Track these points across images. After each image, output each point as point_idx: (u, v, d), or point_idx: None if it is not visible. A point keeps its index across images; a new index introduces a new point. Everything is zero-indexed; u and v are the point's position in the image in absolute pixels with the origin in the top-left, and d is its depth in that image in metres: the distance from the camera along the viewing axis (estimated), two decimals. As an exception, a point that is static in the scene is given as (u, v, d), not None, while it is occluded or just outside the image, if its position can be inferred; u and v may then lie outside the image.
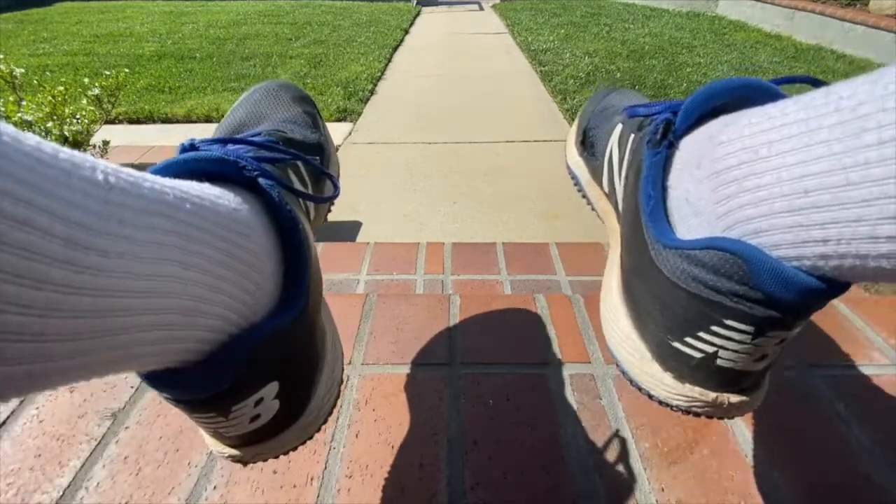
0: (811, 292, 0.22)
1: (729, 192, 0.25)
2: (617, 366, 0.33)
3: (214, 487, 0.39)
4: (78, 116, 0.91)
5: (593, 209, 0.46)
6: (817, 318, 0.57)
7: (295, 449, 0.30)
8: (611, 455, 0.42)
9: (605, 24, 4.31)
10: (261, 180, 0.27)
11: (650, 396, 0.31)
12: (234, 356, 0.23)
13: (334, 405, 0.33)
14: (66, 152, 0.17)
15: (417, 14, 5.29)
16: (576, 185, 0.48)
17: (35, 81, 0.96)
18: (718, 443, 0.43)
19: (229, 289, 0.23)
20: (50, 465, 0.41)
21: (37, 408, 0.46)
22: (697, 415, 0.29)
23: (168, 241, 0.20)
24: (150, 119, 2.29)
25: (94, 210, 0.17)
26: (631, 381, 0.32)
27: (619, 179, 0.37)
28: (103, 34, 3.98)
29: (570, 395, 0.47)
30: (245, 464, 0.29)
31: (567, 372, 0.50)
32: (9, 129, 0.16)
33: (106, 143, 0.99)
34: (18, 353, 0.15)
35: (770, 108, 0.25)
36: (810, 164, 0.21)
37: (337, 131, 2.15)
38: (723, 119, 0.28)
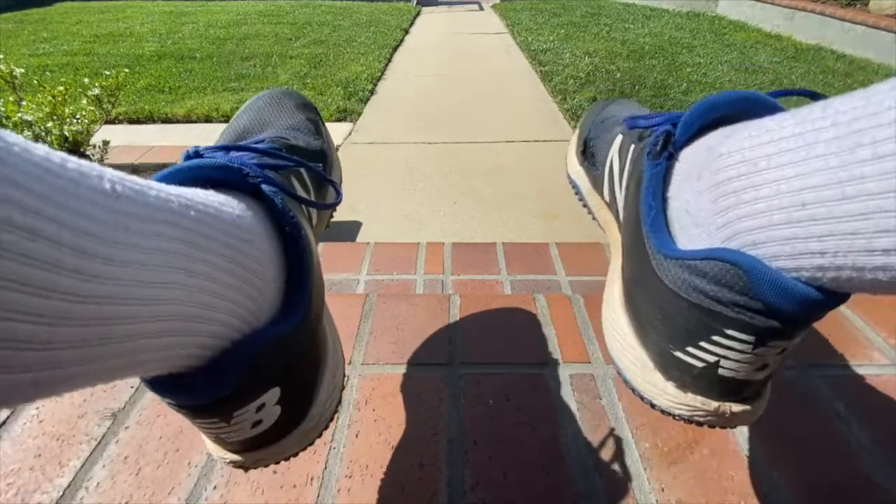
0: (810, 303, 0.23)
1: (728, 204, 0.25)
2: (619, 375, 0.33)
3: (214, 487, 0.39)
4: (78, 116, 0.91)
5: (594, 218, 0.46)
6: (817, 318, 0.57)
7: (296, 454, 0.30)
8: (611, 455, 0.42)
9: (605, 24, 4.31)
10: (264, 187, 0.28)
11: (652, 406, 0.31)
12: (236, 362, 0.23)
13: (335, 411, 0.33)
14: (73, 161, 0.17)
15: (417, 14, 5.29)
16: (577, 194, 0.48)
17: (35, 81, 0.96)
18: (718, 443, 0.43)
19: (233, 295, 0.23)
20: (50, 465, 0.41)
21: (37, 408, 0.46)
22: (700, 424, 0.29)
23: (173, 249, 0.20)
24: (150, 119, 2.29)
25: (102, 219, 0.17)
26: (633, 391, 0.32)
27: (620, 189, 0.37)
28: (103, 34, 3.98)
29: (570, 395, 0.47)
30: (246, 469, 0.29)
31: (567, 372, 0.50)
32: (18, 139, 0.16)
33: (106, 143, 0.99)
34: (26, 361, 0.15)
35: (768, 122, 0.25)
36: (807, 177, 0.21)
37: (337, 131, 2.15)
38: (722, 131, 0.29)
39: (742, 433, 0.44)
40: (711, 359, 0.27)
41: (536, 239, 1.35)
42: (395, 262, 0.85)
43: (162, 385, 0.23)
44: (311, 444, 0.31)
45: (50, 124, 0.86)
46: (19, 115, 0.82)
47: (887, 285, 0.20)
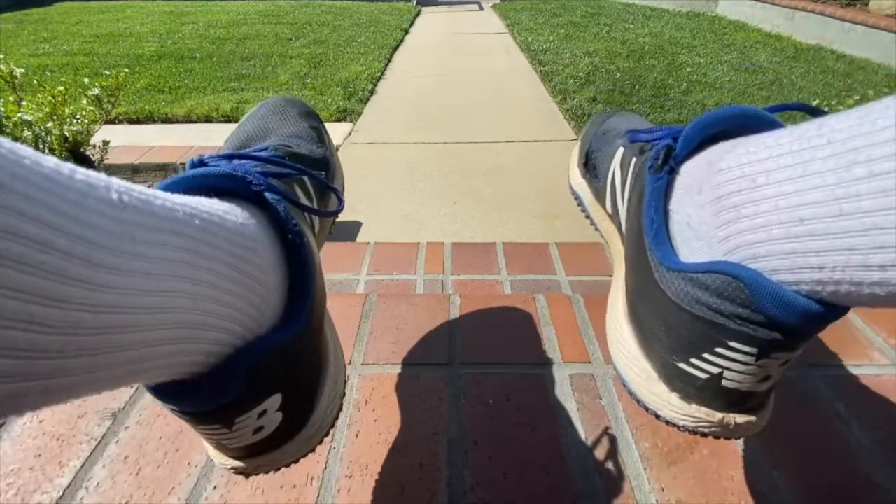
0: (811, 316, 0.23)
1: (729, 218, 0.26)
2: (624, 386, 0.34)
3: (214, 487, 0.39)
4: (78, 116, 0.91)
5: (597, 229, 0.47)
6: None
7: (297, 461, 0.30)
8: (611, 455, 0.42)
9: (605, 24, 4.31)
10: (267, 195, 0.28)
11: (657, 416, 0.31)
12: (239, 369, 0.24)
13: (336, 417, 0.33)
14: (81, 172, 0.18)
15: (417, 14, 5.29)
16: (579, 205, 0.49)
17: (35, 81, 0.96)
18: (718, 443, 0.43)
19: (236, 302, 0.24)
20: (50, 465, 0.41)
21: (37, 408, 0.46)
22: (704, 435, 0.30)
23: (178, 258, 0.20)
24: (150, 119, 2.29)
25: (109, 229, 0.17)
26: (638, 402, 0.32)
27: (622, 201, 0.38)
28: (103, 34, 3.98)
29: (570, 395, 0.47)
30: (247, 475, 0.29)
31: (567, 372, 0.50)
32: (28, 151, 0.16)
33: (106, 143, 0.99)
34: (38, 370, 0.15)
35: (766, 138, 0.25)
36: (805, 193, 0.22)
37: (337, 131, 2.15)
38: (722, 146, 0.29)
39: (742, 433, 0.44)
40: (715, 370, 0.27)
41: (536, 239, 1.35)
42: (395, 262, 0.85)
43: (165, 392, 0.23)
44: (313, 450, 0.31)
45: (50, 124, 0.86)
46: (19, 115, 0.82)
47: (885, 299, 0.20)
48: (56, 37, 3.90)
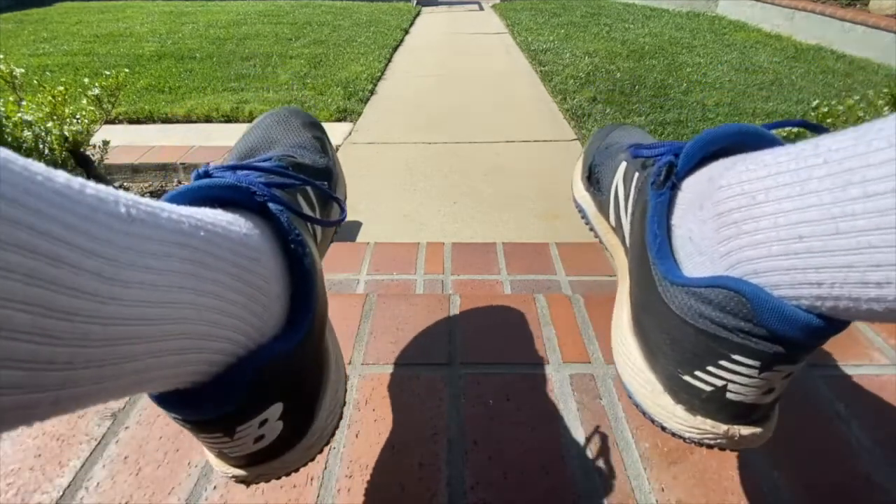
0: (812, 330, 0.23)
1: (730, 234, 0.26)
2: (629, 398, 0.34)
3: (214, 487, 0.39)
4: (78, 116, 0.91)
5: (601, 242, 0.47)
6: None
7: (297, 470, 0.30)
8: (611, 455, 0.42)
9: (605, 24, 4.31)
10: (270, 205, 0.28)
11: (663, 428, 0.31)
12: (241, 378, 0.24)
13: (337, 426, 0.33)
14: (91, 187, 0.18)
15: (417, 14, 5.29)
16: (583, 218, 0.49)
17: (35, 81, 0.96)
18: (718, 443, 0.43)
19: (239, 312, 0.24)
20: (50, 465, 0.41)
21: (37, 408, 0.46)
22: (710, 446, 0.30)
23: (184, 270, 0.21)
24: (150, 119, 2.29)
25: (118, 243, 0.18)
26: (644, 414, 0.33)
27: (626, 215, 0.39)
28: (103, 34, 3.98)
29: (570, 395, 0.47)
30: (248, 484, 0.29)
31: (567, 372, 0.50)
32: (40, 168, 0.17)
33: (106, 143, 0.99)
34: (48, 381, 0.16)
35: (766, 156, 0.26)
36: (803, 211, 0.22)
37: (337, 131, 2.15)
38: (722, 162, 0.30)
39: (742, 433, 0.44)
40: (719, 383, 0.27)
41: (536, 239, 1.35)
42: (395, 262, 0.85)
43: (168, 400, 0.24)
44: (313, 459, 0.31)
45: (50, 124, 0.86)
46: (19, 115, 0.82)
47: (883, 315, 0.21)
48: (56, 37, 3.90)
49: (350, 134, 2.13)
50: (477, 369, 0.50)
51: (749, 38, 3.76)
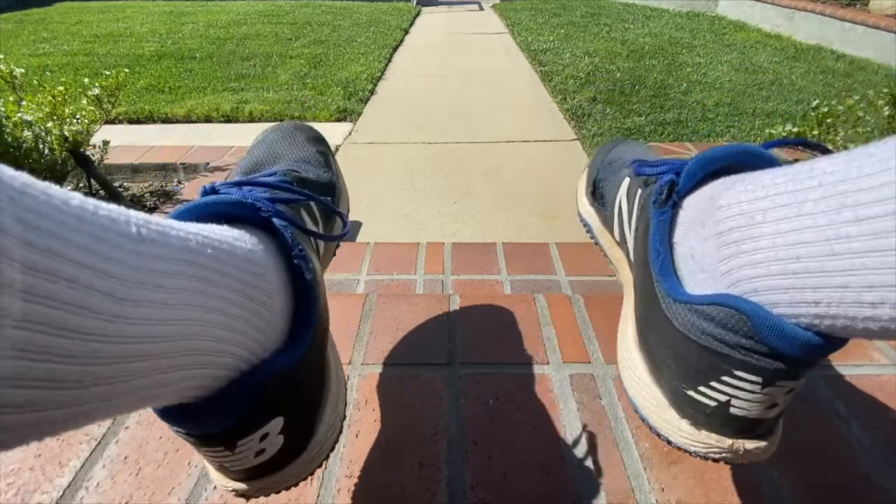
0: (811, 347, 0.24)
1: (730, 253, 0.27)
2: (636, 412, 0.35)
3: (214, 487, 0.39)
4: (78, 116, 0.90)
5: (606, 256, 0.48)
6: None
7: (297, 484, 0.30)
8: (611, 455, 0.42)
9: (605, 24, 4.31)
10: (275, 220, 0.29)
11: (669, 442, 0.32)
12: (243, 392, 0.24)
13: (336, 440, 0.33)
14: (104, 208, 0.19)
15: (417, 14, 5.29)
16: (588, 232, 0.50)
17: (35, 81, 0.96)
18: (718, 443, 0.43)
19: (243, 327, 0.24)
20: (50, 465, 0.41)
21: (37, 408, 0.46)
22: (716, 460, 0.30)
23: (192, 287, 0.21)
24: (150, 119, 2.29)
25: (129, 263, 0.18)
26: (650, 428, 0.34)
27: (630, 230, 0.39)
28: (103, 34, 3.98)
29: (570, 395, 0.47)
30: (248, 498, 0.29)
31: (567, 372, 0.50)
32: (56, 190, 0.17)
33: (106, 143, 0.99)
34: (59, 399, 0.16)
35: (764, 177, 0.27)
36: (800, 233, 0.23)
37: (337, 131, 2.15)
38: (723, 181, 0.31)
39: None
40: (723, 398, 0.28)
41: (536, 239, 1.35)
42: (395, 262, 0.85)
43: (171, 414, 0.24)
44: (313, 473, 0.31)
45: (50, 124, 0.86)
46: (19, 115, 0.82)
47: (879, 334, 0.22)
48: (56, 37, 3.90)
49: (350, 134, 2.13)
50: (477, 369, 0.50)
51: (749, 38, 3.76)
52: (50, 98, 0.87)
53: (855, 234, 0.21)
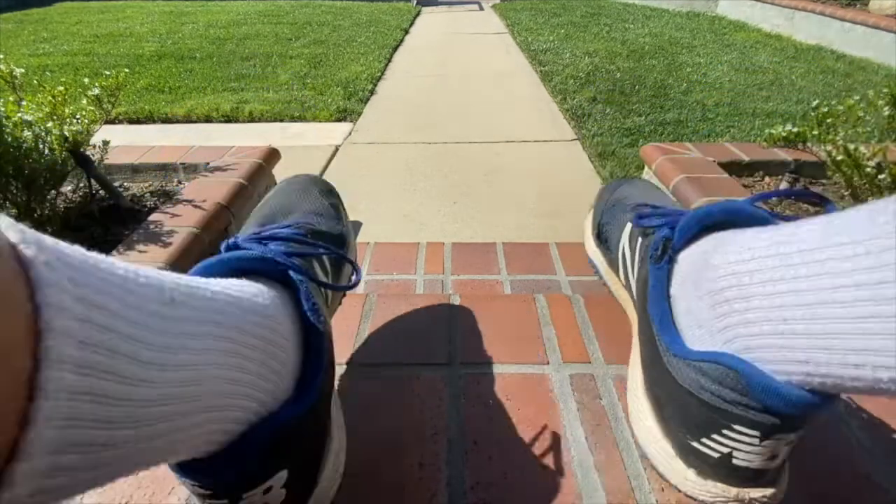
0: (803, 405, 0.25)
1: (723, 311, 0.28)
2: (647, 459, 0.36)
3: (214, 487, 0.39)
4: (78, 116, 0.90)
5: (614, 296, 0.49)
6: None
7: None
8: (611, 455, 0.42)
9: (605, 24, 4.31)
10: (291, 273, 0.31)
11: (678, 490, 0.33)
12: (254, 445, 0.25)
13: (336, 493, 0.34)
14: (142, 275, 0.20)
15: (417, 14, 5.29)
16: (596, 273, 0.51)
17: (35, 81, 0.95)
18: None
19: (256, 381, 0.25)
20: (50, 465, 0.41)
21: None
22: None
23: (215, 347, 0.22)
24: (150, 119, 2.29)
25: (163, 329, 0.19)
26: (661, 476, 0.35)
27: (633, 277, 0.41)
28: (103, 34, 3.98)
29: (570, 395, 0.47)
30: None
31: (567, 372, 0.50)
32: (104, 260, 0.18)
33: (106, 143, 0.99)
34: (94, 462, 0.17)
35: (751, 240, 0.29)
36: (784, 296, 0.25)
37: (337, 131, 2.15)
38: (714, 238, 0.33)
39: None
40: (725, 450, 0.29)
41: (536, 239, 1.35)
42: (395, 262, 0.85)
43: (181, 468, 0.24)
44: None
45: (50, 124, 0.86)
46: (19, 115, 0.82)
47: (867, 391, 0.23)
48: (56, 37, 3.90)
49: (350, 134, 2.13)
50: (477, 369, 0.50)
51: (749, 38, 3.76)
52: (50, 98, 0.87)
53: (832, 301, 0.22)
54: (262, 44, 3.67)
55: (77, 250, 0.17)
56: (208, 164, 1.12)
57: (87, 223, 0.92)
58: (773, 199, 0.37)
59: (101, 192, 0.99)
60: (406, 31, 4.36)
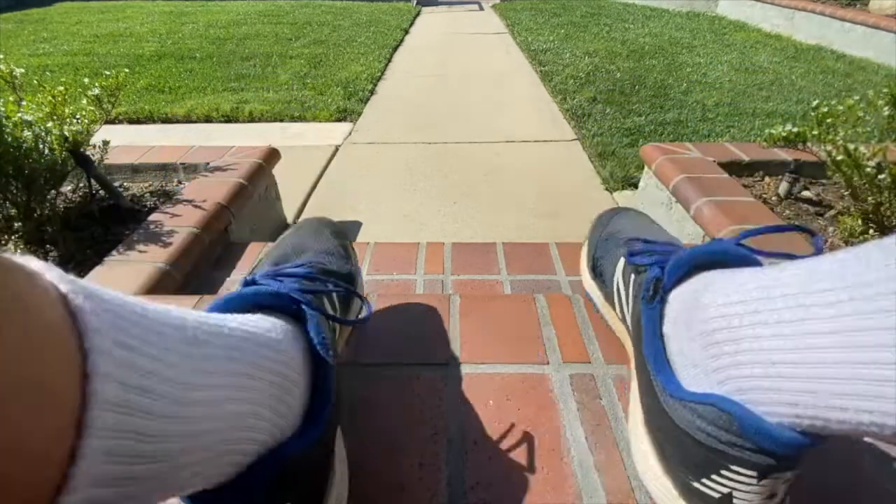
0: (794, 446, 0.26)
1: (715, 353, 0.29)
2: (651, 498, 0.36)
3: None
4: (78, 116, 0.90)
5: (611, 328, 0.49)
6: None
7: None
8: (611, 455, 0.42)
9: (605, 24, 4.31)
10: (304, 308, 0.33)
11: None
12: (261, 479, 0.25)
13: None
14: (171, 315, 0.21)
15: (417, 14, 5.29)
16: (594, 306, 0.52)
17: (35, 81, 0.95)
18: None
19: (267, 413, 0.26)
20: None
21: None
22: None
23: (234, 383, 0.24)
24: (150, 119, 2.29)
25: (186, 367, 0.21)
26: None
27: (628, 313, 0.41)
28: (103, 34, 3.98)
29: (570, 395, 0.47)
30: None
31: (567, 372, 0.50)
32: (141, 302, 0.20)
33: (106, 143, 0.99)
34: (120, 497, 0.18)
35: (738, 282, 0.30)
36: (770, 339, 0.25)
37: (337, 131, 2.15)
38: (703, 278, 0.33)
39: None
40: (725, 490, 0.29)
41: (536, 239, 1.35)
42: (395, 262, 0.85)
43: (189, 498, 0.25)
44: None
45: (50, 124, 0.86)
46: (19, 115, 0.82)
47: (855, 433, 0.23)
48: (56, 37, 3.90)
49: (350, 134, 2.13)
50: (477, 369, 0.50)
51: (749, 38, 3.76)
52: (50, 98, 0.87)
53: (814, 346, 0.23)
54: (262, 44, 3.67)
55: (116, 295, 0.19)
56: (208, 164, 1.12)
57: (87, 223, 0.92)
58: (767, 226, 0.38)
59: (101, 192, 0.99)
60: (406, 31, 4.36)
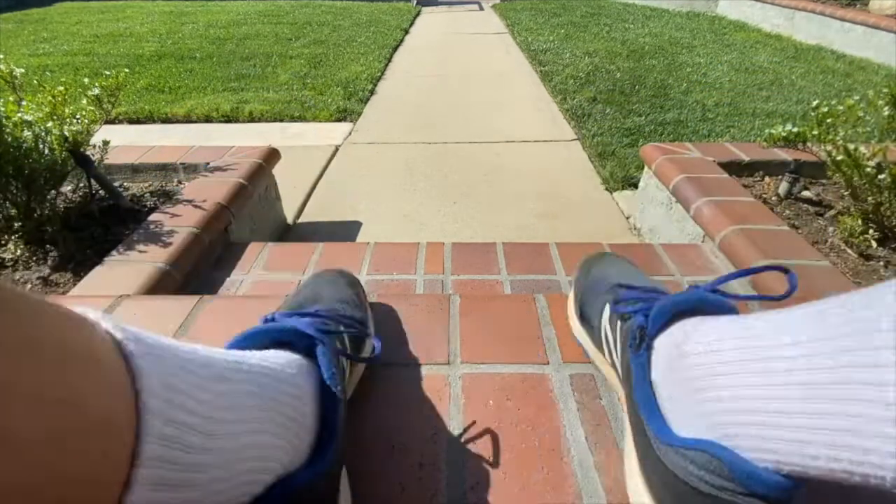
0: (781, 490, 0.26)
1: (700, 399, 0.30)
2: None
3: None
4: (78, 116, 0.90)
5: (601, 372, 0.50)
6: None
7: None
8: (611, 455, 0.42)
9: (605, 24, 4.31)
10: (317, 344, 0.36)
11: None
12: None
13: None
14: (201, 355, 0.23)
15: (417, 14, 5.29)
16: (584, 350, 0.52)
17: (35, 81, 0.95)
18: (718, 443, 0.43)
19: (281, 444, 0.27)
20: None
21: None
22: None
23: (253, 416, 0.25)
24: (150, 119, 2.29)
25: (214, 403, 0.22)
26: None
27: (617, 358, 0.42)
28: (103, 34, 3.98)
29: (570, 395, 0.47)
30: None
31: (567, 372, 0.50)
32: (174, 343, 0.21)
33: (106, 143, 0.99)
34: None
35: (717, 332, 0.31)
36: (749, 388, 0.26)
37: (337, 131, 2.15)
38: (684, 326, 0.35)
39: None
40: None
41: (536, 239, 1.35)
42: (395, 262, 0.85)
43: None
44: None
45: (50, 124, 0.86)
46: (19, 115, 0.82)
47: (835, 480, 0.24)
48: (56, 37, 3.90)
49: (350, 134, 2.13)
50: (477, 369, 0.50)
51: (749, 38, 3.76)
52: (50, 98, 0.87)
53: (786, 397, 0.24)
54: (262, 44, 3.67)
55: (155, 338, 0.21)
56: (208, 163, 1.12)
57: (87, 223, 0.92)
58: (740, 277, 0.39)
59: (101, 192, 0.99)
60: (406, 31, 4.36)
